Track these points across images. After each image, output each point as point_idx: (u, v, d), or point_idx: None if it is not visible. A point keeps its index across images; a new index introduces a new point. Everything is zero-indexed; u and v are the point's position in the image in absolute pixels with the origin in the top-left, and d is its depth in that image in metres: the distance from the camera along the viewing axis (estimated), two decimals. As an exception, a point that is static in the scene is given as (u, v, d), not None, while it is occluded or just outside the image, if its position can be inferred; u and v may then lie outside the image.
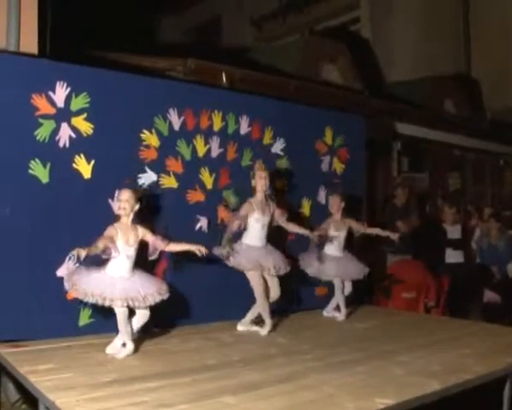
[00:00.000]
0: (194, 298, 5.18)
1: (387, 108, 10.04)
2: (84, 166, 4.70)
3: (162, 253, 4.58)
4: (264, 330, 5.04)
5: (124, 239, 4.26)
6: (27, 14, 5.06)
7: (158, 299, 4.21)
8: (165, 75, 6.77)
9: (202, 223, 5.37)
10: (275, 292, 5.11)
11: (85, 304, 4.61)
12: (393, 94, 11.51)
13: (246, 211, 5.05)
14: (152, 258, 4.43)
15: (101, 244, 4.11)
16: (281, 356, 4.30)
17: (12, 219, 4.38)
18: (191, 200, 5.32)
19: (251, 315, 5.17)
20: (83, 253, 3.94)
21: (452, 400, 3.69)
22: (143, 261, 4.43)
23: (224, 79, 7.43)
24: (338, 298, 5.80)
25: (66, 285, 4.17)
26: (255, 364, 4.07)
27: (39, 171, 4.49)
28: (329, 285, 5.92)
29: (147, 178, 5.03)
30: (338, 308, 5.85)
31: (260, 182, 5.10)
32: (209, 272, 5.19)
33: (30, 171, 4.46)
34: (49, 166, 4.52)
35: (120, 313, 4.17)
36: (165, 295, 4.27)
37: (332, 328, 5.51)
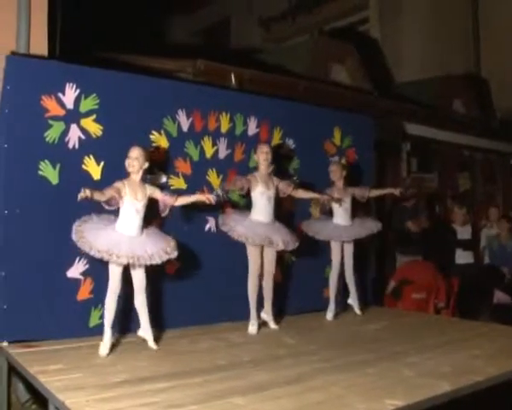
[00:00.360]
0: (203, 299, 5.19)
1: (396, 108, 10.01)
2: (93, 168, 4.72)
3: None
4: (252, 328, 5.08)
5: (132, 194, 4.31)
6: (37, 17, 5.08)
7: (165, 258, 4.24)
8: (174, 76, 6.77)
9: (211, 224, 5.38)
10: (271, 266, 5.14)
11: (96, 305, 4.64)
12: (402, 94, 11.47)
13: (249, 179, 5.10)
14: (164, 215, 4.49)
15: (107, 193, 4.18)
16: (289, 357, 4.30)
17: (22, 219, 4.40)
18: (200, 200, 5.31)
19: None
20: (88, 193, 3.99)
21: (462, 401, 3.67)
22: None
23: (233, 80, 7.42)
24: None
25: (74, 236, 4.18)
26: (264, 365, 4.07)
27: (49, 172, 4.51)
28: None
29: (156, 179, 5.03)
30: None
31: (262, 156, 5.14)
32: (219, 272, 5.19)
33: (40, 172, 4.48)
34: (58, 167, 4.54)
35: (115, 270, 4.22)
36: (173, 254, 4.30)
37: (341, 329, 5.50)
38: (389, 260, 8.15)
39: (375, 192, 6.00)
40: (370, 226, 5.85)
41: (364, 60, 11.18)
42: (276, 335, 5.04)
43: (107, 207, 4.25)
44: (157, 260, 4.22)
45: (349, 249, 5.83)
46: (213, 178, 5.42)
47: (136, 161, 4.37)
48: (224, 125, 5.51)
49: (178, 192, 5.10)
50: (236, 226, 5.01)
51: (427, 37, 14.21)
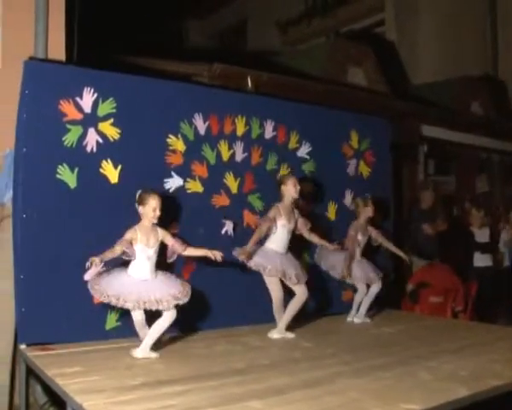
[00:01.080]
0: (221, 302, 5.19)
1: (413, 110, 9.97)
2: (110, 171, 4.74)
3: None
4: (273, 333, 5.04)
5: (144, 241, 4.29)
6: (55, 21, 5.11)
7: (173, 304, 4.18)
8: (190, 80, 6.79)
9: (228, 227, 5.38)
10: (303, 293, 5.08)
11: (112, 308, 4.65)
12: (419, 96, 11.42)
13: (274, 214, 5.04)
14: (170, 261, 4.45)
15: (118, 248, 4.17)
16: (307, 361, 4.28)
17: (40, 223, 4.43)
18: (216, 204, 5.33)
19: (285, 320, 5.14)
20: (97, 261, 4.00)
21: (480, 406, 3.63)
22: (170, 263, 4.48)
23: (250, 83, 7.44)
24: (361, 300, 5.79)
25: (89, 285, 4.19)
26: (281, 368, 4.06)
27: (67, 176, 4.54)
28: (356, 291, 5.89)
29: (173, 182, 5.05)
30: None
31: (293, 190, 5.07)
32: (236, 275, 5.19)
33: (58, 175, 4.51)
34: (76, 170, 4.57)
35: (134, 315, 4.26)
36: (183, 300, 4.23)
37: (358, 333, 5.47)
38: (406, 263, 8.11)
39: (387, 245, 5.94)
40: (374, 277, 5.80)
41: (381, 62, 11.15)
42: (294, 338, 5.03)
43: (125, 258, 4.24)
44: (164, 306, 4.15)
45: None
46: (230, 181, 5.42)
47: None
48: (240, 129, 5.51)
49: (195, 195, 5.14)
50: (254, 256, 4.98)
51: (443, 38, 14.14)
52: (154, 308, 4.15)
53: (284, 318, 5.05)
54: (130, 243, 4.24)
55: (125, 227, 4.37)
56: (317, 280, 5.80)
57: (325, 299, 6.00)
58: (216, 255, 4.46)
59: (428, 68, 13.70)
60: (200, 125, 5.25)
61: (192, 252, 4.52)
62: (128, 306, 4.12)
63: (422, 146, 10.17)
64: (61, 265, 4.51)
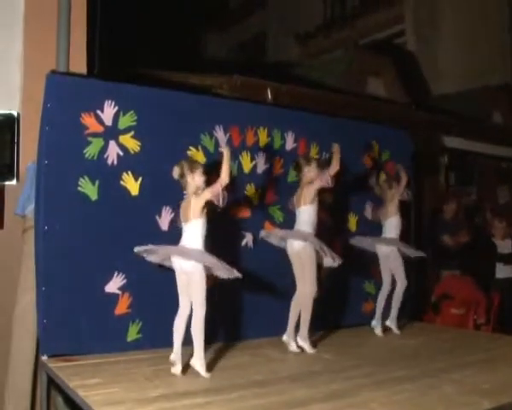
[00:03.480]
0: (239, 314, 5.18)
1: (434, 121, 9.89)
2: (131, 184, 4.75)
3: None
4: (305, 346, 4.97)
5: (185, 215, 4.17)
6: (77, 35, 5.16)
7: (233, 273, 4.14)
8: (210, 92, 6.81)
9: (248, 239, 5.37)
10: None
11: (133, 320, 4.66)
12: (440, 107, 11.35)
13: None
14: (222, 206, 4.23)
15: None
16: (327, 373, 4.25)
17: (61, 235, 4.45)
18: (238, 216, 5.32)
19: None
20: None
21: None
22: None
23: (270, 95, 7.43)
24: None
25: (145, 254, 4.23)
26: (302, 380, 4.03)
27: (88, 188, 4.56)
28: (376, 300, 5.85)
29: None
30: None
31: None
32: (255, 287, 5.17)
33: (79, 188, 4.53)
34: (97, 183, 4.59)
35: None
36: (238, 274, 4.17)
37: (379, 344, 5.42)
38: (429, 274, 8.04)
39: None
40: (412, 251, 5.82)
41: (401, 73, 11.12)
42: (314, 351, 4.99)
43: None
44: (229, 274, 4.18)
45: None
46: (252, 192, 5.42)
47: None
48: (263, 140, 5.51)
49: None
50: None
51: (463, 48, 14.08)
52: (218, 272, 4.14)
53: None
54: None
55: (145, 239, 4.39)
56: (337, 291, 5.77)
57: (345, 310, 5.96)
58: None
59: (448, 79, 13.64)
60: (221, 136, 5.25)
61: (224, 174, 4.20)
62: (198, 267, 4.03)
63: (443, 157, 10.09)
64: (83, 277, 4.52)
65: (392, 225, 5.73)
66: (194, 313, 4.12)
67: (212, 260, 4.14)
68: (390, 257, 5.72)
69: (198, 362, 4.10)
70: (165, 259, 4.30)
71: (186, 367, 4.13)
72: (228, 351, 4.85)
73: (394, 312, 5.77)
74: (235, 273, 4.20)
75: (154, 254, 4.30)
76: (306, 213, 4.94)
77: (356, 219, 6.16)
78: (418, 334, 5.83)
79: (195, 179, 4.23)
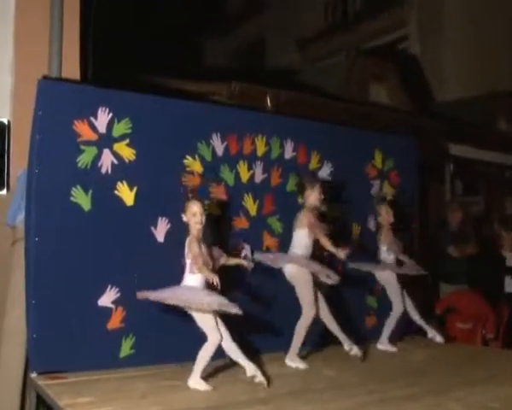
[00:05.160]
0: (239, 329, 5.15)
1: (439, 128, 9.92)
2: (126, 193, 4.74)
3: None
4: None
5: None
6: (69, 40, 5.17)
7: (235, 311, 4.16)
8: (208, 99, 6.81)
9: (246, 251, 5.33)
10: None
11: (127, 335, 4.64)
12: (445, 114, 11.37)
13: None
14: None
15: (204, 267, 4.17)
16: (330, 390, 4.22)
17: (53, 247, 4.43)
18: (235, 227, 5.31)
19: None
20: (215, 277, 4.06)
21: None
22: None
23: (269, 102, 7.44)
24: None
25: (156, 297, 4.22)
26: (304, 398, 4.01)
27: (81, 198, 4.54)
28: (380, 316, 5.82)
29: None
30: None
31: (319, 192, 5.09)
32: (254, 302, 5.15)
33: (71, 198, 4.51)
34: (90, 193, 4.57)
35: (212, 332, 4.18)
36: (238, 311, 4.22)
37: (383, 361, 5.39)
38: (432, 288, 8.02)
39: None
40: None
41: (404, 78, 11.14)
42: (316, 367, 4.96)
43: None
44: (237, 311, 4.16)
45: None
46: (249, 203, 5.40)
47: (204, 215, 4.36)
48: (260, 149, 5.50)
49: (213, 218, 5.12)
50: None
51: (468, 53, 14.10)
52: (229, 309, 4.12)
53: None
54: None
55: (140, 250, 4.38)
56: (339, 306, 5.74)
57: (347, 325, 5.92)
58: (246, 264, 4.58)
59: (453, 85, 13.67)
60: (218, 145, 5.25)
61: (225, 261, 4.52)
62: (212, 306, 4.09)
63: (449, 165, 10.10)
64: (75, 290, 4.49)
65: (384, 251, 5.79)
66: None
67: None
68: (388, 280, 5.76)
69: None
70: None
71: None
72: (226, 367, 4.81)
73: (386, 334, 5.76)
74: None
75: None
76: (300, 237, 5.06)
77: (359, 231, 6.13)
78: (423, 349, 5.78)
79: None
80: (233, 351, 4.35)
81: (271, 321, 5.21)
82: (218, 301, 4.11)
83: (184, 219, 4.36)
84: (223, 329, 4.29)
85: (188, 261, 4.28)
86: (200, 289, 4.24)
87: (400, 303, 5.69)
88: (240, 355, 4.35)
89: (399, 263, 5.82)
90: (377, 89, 10.64)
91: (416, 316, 5.83)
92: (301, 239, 5.06)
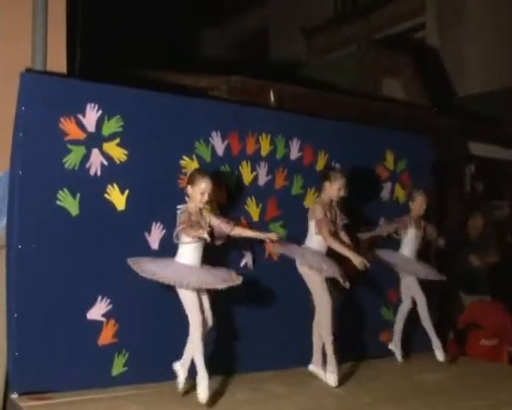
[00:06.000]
0: (239, 344, 5.18)
1: (458, 125, 9.91)
2: (117, 197, 4.77)
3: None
4: (331, 378, 5.01)
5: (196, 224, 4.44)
6: (55, 30, 5.16)
7: (236, 282, 4.40)
8: (207, 95, 6.84)
9: (247, 259, 5.37)
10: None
11: (120, 351, 4.66)
12: (465, 109, 11.37)
13: (322, 211, 5.13)
14: (218, 243, 4.62)
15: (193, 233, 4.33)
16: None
17: (38, 255, 4.46)
18: (236, 233, 5.33)
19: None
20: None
21: None
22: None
23: (273, 98, 7.46)
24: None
25: (133, 266, 4.38)
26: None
27: (68, 202, 4.57)
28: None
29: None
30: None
31: (336, 193, 5.20)
32: (257, 314, 5.18)
33: (58, 202, 4.54)
34: (78, 196, 4.60)
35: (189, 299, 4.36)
36: (238, 280, 4.46)
37: (398, 379, 5.41)
38: (453, 299, 8.01)
39: (440, 242, 6.09)
40: (436, 273, 5.92)
41: (421, 71, 11.14)
42: (324, 385, 4.98)
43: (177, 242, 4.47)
44: (230, 283, 4.37)
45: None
46: (252, 207, 5.43)
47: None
48: (264, 148, 5.53)
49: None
50: (306, 254, 5.10)
51: (492, 43, 14.08)
52: (219, 287, 4.31)
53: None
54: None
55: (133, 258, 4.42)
56: (350, 319, 5.77)
57: (360, 340, 5.95)
58: (271, 237, 4.72)
59: (475, 78, 13.64)
60: (219, 144, 5.28)
61: (241, 232, 4.69)
62: (194, 286, 4.28)
63: (469, 166, 10.10)
64: (61, 302, 4.52)
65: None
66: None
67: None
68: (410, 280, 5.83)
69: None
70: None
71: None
72: (225, 385, 4.84)
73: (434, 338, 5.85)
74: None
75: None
76: (312, 230, 5.18)
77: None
78: (442, 367, 5.80)
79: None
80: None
81: (273, 334, 5.26)
82: (201, 281, 4.32)
83: (189, 190, 4.54)
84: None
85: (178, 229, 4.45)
86: (195, 267, 4.43)
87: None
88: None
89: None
90: (391, 83, 10.65)
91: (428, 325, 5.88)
92: (313, 232, 5.17)
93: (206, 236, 4.20)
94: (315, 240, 5.17)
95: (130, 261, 4.43)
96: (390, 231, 5.93)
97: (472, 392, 4.90)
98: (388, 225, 5.96)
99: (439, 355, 5.82)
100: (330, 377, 4.98)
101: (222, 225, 4.60)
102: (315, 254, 5.11)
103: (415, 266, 5.88)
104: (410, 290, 5.84)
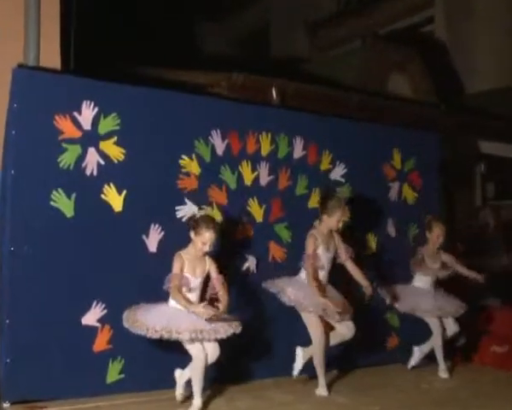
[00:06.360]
0: (241, 352, 5.17)
1: (468, 123, 9.92)
2: (114, 198, 4.78)
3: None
4: (321, 390, 5.02)
5: (190, 270, 4.48)
6: (48, 25, 5.15)
7: (230, 332, 4.37)
8: (206, 92, 6.85)
9: (250, 263, 5.37)
10: (348, 329, 5.16)
11: (115, 358, 4.66)
12: (475, 107, 11.37)
13: (312, 246, 5.09)
14: (208, 296, 4.61)
15: (179, 286, 4.40)
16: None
17: (31, 258, 4.46)
18: (238, 235, 5.34)
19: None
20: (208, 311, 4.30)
21: None
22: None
23: (275, 95, 7.47)
24: (435, 342, 5.81)
25: (126, 323, 4.39)
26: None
27: (63, 203, 4.58)
28: (403, 335, 5.86)
29: (186, 210, 5.06)
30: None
31: (336, 218, 5.14)
32: (258, 321, 5.18)
33: (52, 203, 4.55)
34: (74, 197, 4.61)
35: (196, 355, 4.35)
36: (238, 329, 4.45)
37: (405, 386, 5.40)
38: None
39: (460, 269, 6.03)
40: (456, 308, 5.92)
41: (429, 67, 11.13)
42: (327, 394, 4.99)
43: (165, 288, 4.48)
44: (222, 335, 4.36)
45: None
46: (255, 208, 5.44)
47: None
48: (266, 148, 5.53)
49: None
50: (288, 288, 5.06)
51: (503, 39, 14.07)
52: (212, 338, 4.32)
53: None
54: (182, 274, 4.44)
55: (130, 262, 4.42)
56: (356, 326, 5.76)
57: (366, 348, 5.94)
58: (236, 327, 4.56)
59: (485, 74, 13.63)
60: (219, 143, 5.28)
61: (222, 300, 4.59)
62: (184, 337, 4.25)
63: (479, 165, 10.10)
64: (55, 307, 4.52)
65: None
66: None
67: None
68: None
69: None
70: None
71: None
72: (226, 394, 4.84)
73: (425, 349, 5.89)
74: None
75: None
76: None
77: (376, 239, 6.16)
78: (453, 375, 5.82)
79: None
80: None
81: (275, 342, 5.28)
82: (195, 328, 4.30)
83: (192, 236, 4.55)
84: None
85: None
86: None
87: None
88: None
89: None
90: (397, 79, 10.64)
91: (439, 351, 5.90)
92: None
93: (199, 311, 4.29)
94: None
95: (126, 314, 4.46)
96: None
97: (482, 400, 4.90)
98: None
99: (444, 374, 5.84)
100: (320, 392, 5.02)
101: (215, 282, 4.61)
102: (301, 288, 5.08)
103: (432, 302, 5.84)
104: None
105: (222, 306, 4.52)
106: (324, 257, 5.13)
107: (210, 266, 4.60)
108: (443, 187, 6.90)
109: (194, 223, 4.55)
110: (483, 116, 10.52)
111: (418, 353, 5.87)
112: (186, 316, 4.32)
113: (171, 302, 4.45)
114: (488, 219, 8.49)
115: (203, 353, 4.34)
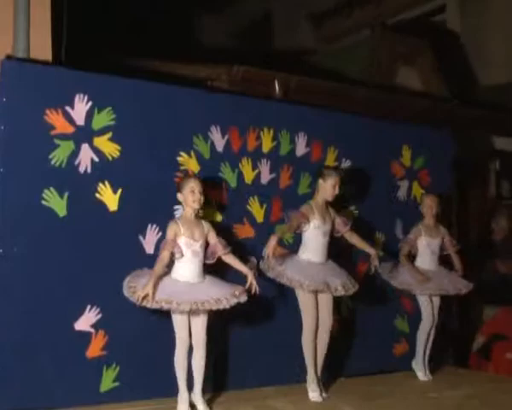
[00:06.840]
0: (240, 358, 5.19)
1: (482, 118, 9.92)
2: (109, 196, 4.79)
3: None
4: (312, 395, 5.05)
5: (187, 233, 4.52)
6: (39, 14, 5.14)
7: (233, 302, 4.40)
8: (206, 85, 6.86)
9: (251, 264, 5.37)
10: (329, 317, 5.18)
11: (109, 365, 4.67)
12: (489, 101, 11.36)
13: (305, 212, 5.15)
14: (208, 262, 4.64)
15: (166, 254, 4.43)
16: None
17: (20, 260, 4.47)
18: (238, 236, 5.36)
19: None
20: (150, 293, 4.26)
21: None
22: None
23: (277, 89, 7.48)
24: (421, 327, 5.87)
25: (126, 292, 4.44)
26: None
27: (55, 202, 4.59)
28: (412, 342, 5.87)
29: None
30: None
31: (331, 183, 5.20)
32: (258, 326, 5.19)
33: (43, 202, 4.56)
34: (66, 196, 4.62)
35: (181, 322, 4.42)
36: (242, 297, 4.48)
37: (416, 396, 5.40)
38: (475, 309, 8.03)
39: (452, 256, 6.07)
40: (459, 285, 5.90)
41: (440, 59, 11.13)
42: (332, 402, 5.00)
43: (177, 258, 4.51)
44: (225, 305, 4.39)
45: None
46: (255, 207, 5.45)
47: (202, 195, 4.61)
48: (267, 144, 5.55)
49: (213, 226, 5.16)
50: (286, 270, 5.05)
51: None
52: (213, 308, 4.35)
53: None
54: (175, 241, 4.48)
55: (125, 264, 4.44)
56: (360, 330, 5.78)
57: (372, 354, 5.95)
58: (252, 284, 4.62)
59: (500, 66, 13.63)
60: (218, 139, 5.30)
61: (232, 261, 4.72)
62: (184, 308, 4.29)
63: (494, 162, 10.10)
64: (47, 311, 4.53)
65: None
66: None
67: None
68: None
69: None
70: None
71: None
72: (225, 402, 4.85)
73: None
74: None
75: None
76: (305, 237, 5.24)
77: (383, 240, 6.18)
78: (463, 384, 5.82)
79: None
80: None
81: (277, 348, 5.30)
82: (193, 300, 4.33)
83: (180, 197, 4.62)
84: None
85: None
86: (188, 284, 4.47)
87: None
88: None
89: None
90: (407, 71, 10.63)
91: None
92: (306, 240, 5.23)
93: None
94: (307, 248, 5.22)
95: (126, 282, 4.52)
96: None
97: (496, 411, 4.91)
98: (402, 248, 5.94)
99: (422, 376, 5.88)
100: (313, 397, 5.03)
101: (218, 245, 4.66)
102: (303, 266, 5.13)
103: (436, 280, 5.86)
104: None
105: (245, 270, 4.69)
106: (321, 230, 5.16)
107: (208, 229, 4.67)
108: (455, 185, 6.90)
109: (178, 186, 4.67)
110: (497, 110, 10.52)
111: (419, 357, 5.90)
112: (188, 288, 4.40)
113: (174, 274, 4.50)
114: (502, 220, 8.48)
115: (185, 331, 4.43)
